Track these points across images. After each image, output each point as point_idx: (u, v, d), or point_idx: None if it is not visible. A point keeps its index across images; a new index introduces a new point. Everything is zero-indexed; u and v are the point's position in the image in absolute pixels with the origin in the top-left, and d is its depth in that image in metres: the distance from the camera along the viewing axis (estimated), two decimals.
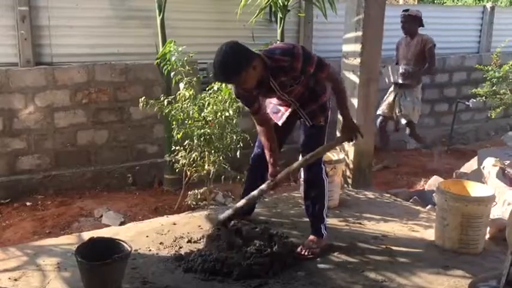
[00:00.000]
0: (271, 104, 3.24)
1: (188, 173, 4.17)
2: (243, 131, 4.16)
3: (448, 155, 6.60)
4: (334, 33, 5.55)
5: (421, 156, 6.50)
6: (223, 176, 4.19)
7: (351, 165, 4.39)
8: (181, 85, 4.10)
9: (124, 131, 5.17)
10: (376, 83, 4.38)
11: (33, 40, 4.76)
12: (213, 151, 4.05)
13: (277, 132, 3.21)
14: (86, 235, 3.23)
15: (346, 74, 4.32)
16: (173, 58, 4.19)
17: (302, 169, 3.27)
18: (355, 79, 4.25)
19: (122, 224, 4.13)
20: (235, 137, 4.09)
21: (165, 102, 4.12)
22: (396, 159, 6.18)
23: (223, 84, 3.96)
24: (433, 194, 3.49)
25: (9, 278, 2.75)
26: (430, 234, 3.43)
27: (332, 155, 3.99)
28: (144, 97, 4.17)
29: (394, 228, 3.59)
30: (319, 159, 3.16)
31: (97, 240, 2.77)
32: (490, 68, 6.19)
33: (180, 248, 3.16)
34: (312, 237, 3.17)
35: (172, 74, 4.24)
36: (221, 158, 4.10)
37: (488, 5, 7.95)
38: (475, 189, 3.37)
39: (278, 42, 4.96)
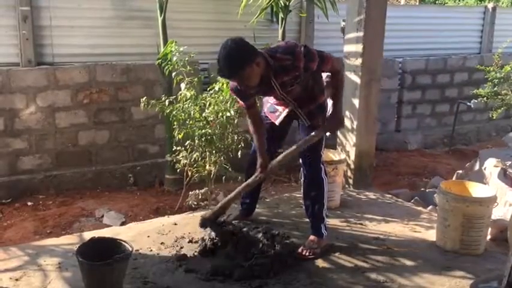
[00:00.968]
0: (269, 103, 3.25)
1: (189, 173, 4.17)
2: (244, 131, 4.15)
3: (450, 156, 6.60)
4: (335, 34, 5.55)
5: (423, 156, 6.50)
6: (224, 177, 4.18)
7: (352, 166, 4.38)
8: (183, 85, 4.10)
9: (125, 131, 5.17)
10: (377, 83, 4.38)
11: (35, 40, 4.76)
12: (214, 151, 4.05)
13: (274, 131, 3.22)
14: (87, 235, 3.23)
15: (348, 74, 4.31)
16: (174, 58, 4.19)
17: (302, 169, 3.26)
18: (357, 79, 4.25)
19: (122, 224, 4.13)
20: (236, 137, 4.09)
21: (166, 103, 4.12)
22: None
23: (224, 85, 3.96)
24: (435, 195, 3.49)
25: (11, 278, 2.76)
26: (431, 235, 3.43)
27: (333, 156, 3.99)
28: (145, 97, 4.17)
29: (395, 228, 3.58)
30: (318, 160, 3.16)
31: (98, 240, 2.77)
32: (491, 69, 6.18)
33: (181, 248, 3.16)
34: (312, 237, 3.17)
35: (173, 74, 4.24)
36: (222, 158, 4.09)
37: (490, 5, 7.94)
38: (476, 190, 3.36)
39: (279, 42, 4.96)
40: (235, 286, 2.74)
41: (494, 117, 6.21)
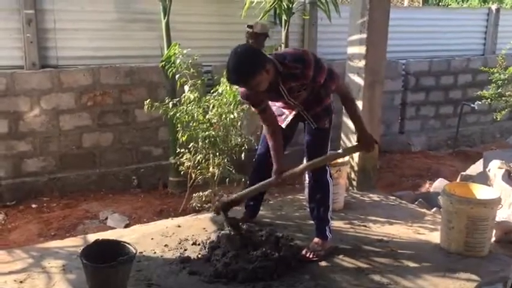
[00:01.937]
0: (275, 106, 3.25)
1: (193, 176, 4.18)
2: (247, 133, 4.16)
3: (454, 158, 6.58)
4: (338, 36, 5.55)
5: (426, 158, 6.48)
6: (228, 179, 4.18)
7: (356, 168, 4.38)
8: (186, 87, 4.11)
9: (129, 134, 5.18)
10: (381, 85, 4.38)
11: (39, 43, 4.78)
12: (217, 153, 4.06)
13: (282, 135, 3.21)
14: (91, 237, 3.24)
15: (351, 76, 4.32)
16: (178, 61, 4.20)
17: (306, 171, 3.26)
18: (360, 81, 4.24)
19: (126, 226, 4.14)
20: (240, 140, 4.09)
21: (170, 105, 4.13)
22: None
23: (228, 87, 3.97)
24: (439, 197, 3.48)
25: (15, 280, 2.76)
26: (435, 237, 3.42)
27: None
28: (149, 100, 4.18)
29: (399, 230, 3.58)
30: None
31: (102, 242, 2.78)
32: (495, 70, 6.17)
33: (185, 250, 3.17)
34: (316, 239, 3.16)
35: (177, 76, 4.25)
36: (226, 160, 4.10)
37: (494, 7, 7.93)
38: (480, 191, 3.36)
39: (282, 45, 4.97)
40: None
41: (499, 119, 6.19)
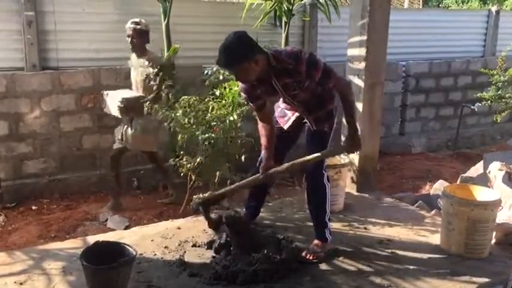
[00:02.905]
0: (279, 107, 3.26)
1: (193, 178, 4.17)
2: (247, 135, 4.15)
3: (454, 159, 6.58)
4: (338, 37, 5.55)
5: (427, 160, 6.48)
6: (228, 181, 4.18)
7: (356, 169, 4.38)
8: (186, 89, 4.11)
9: None
10: (381, 87, 4.38)
11: (39, 45, 4.79)
12: (217, 155, 4.05)
13: (283, 137, 3.22)
14: (91, 239, 3.24)
15: (351, 78, 4.31)
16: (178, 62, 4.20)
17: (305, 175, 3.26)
18: (360, 83, 4.25)
19: (126, 228, 4.13)
20: (239, 142, 4.09)
21: (169, 107, 4.13)
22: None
23: (227, 89, 3.97)
24: (439, 199, 3.48)
25: (15, 282, 2.76)
26: (435, 239, 3.42)
27: (337, 159, 3.98)
28: (148, 102, 4.18)
29: (400, 232, 3.57)
30: (321, 166, 3.15)
31: (102, 244, 2.78)
32: (495, 72, 6.17)
33: (185, 252, 3.17)
34: (316, 241, 3.16)
35: (176, 78, 4.25)
36: (225, 162, 4.09)
37: (493, 8, 7.94)
38: (480, 193, 3.35)
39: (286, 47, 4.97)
40: None
41: (499, 121, 6.20)
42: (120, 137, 4.49)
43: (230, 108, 3.99)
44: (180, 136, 4.06)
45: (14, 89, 4.63)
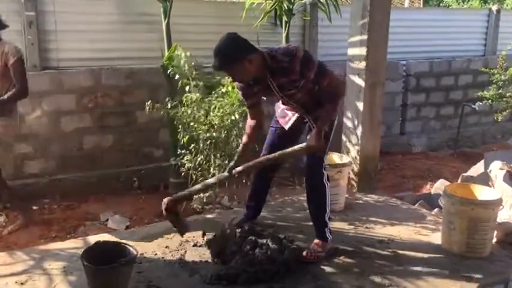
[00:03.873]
0: (280, 108, 3.26)
1: (194, 177, 4.18)
2: None
3: (455, 158, 6.58)
4: (339, 37, 5.55)
5: (427, 159, 6.48)
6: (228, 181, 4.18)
7: (357, 169, 4.38)
8: (187, 89, 4.11)
9: (130, 135, 5.18)
10: (381, 86, 4.39)
11: (40, 45, 4.79)
12: (218, 155, 4.06)
13: (284, 137, 3.21)
14: (92, 239, 3.24)
15: (352, 77, 4.32)
16: (182, 61, 4.20)
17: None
18: (361, 82, 4.25)
19: (127, 227, 4.14)
20: (241, 141, 4.08)
21: (171, 106, 4.13)
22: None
23: (230, 88, 3.97)
24: (440, 198, 3.48)
25: (16, 282, 2.76)
26: (436, 238, 3.42)
27: (338, 159, 3.98)
28: (150, 101, 4.18)
29: (401, 232, 3.57)
30: (320, 166, 3.13)
31: (103, 244, 2.78)
32: (496, 71, 6.18)
33: (186, 252, 3.17)
34: (317, 241, 3.16)
35: (177, 77, 4.25)
36: (227, 161, 4.09)
37: (494, 7, 7.93)
38: (481, 192, 3.35)
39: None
40: None
41: (499, 120, 6.20)
42: None
43: (233, 108, 3.98)
44: (182, 135, 4.07)
45: None
